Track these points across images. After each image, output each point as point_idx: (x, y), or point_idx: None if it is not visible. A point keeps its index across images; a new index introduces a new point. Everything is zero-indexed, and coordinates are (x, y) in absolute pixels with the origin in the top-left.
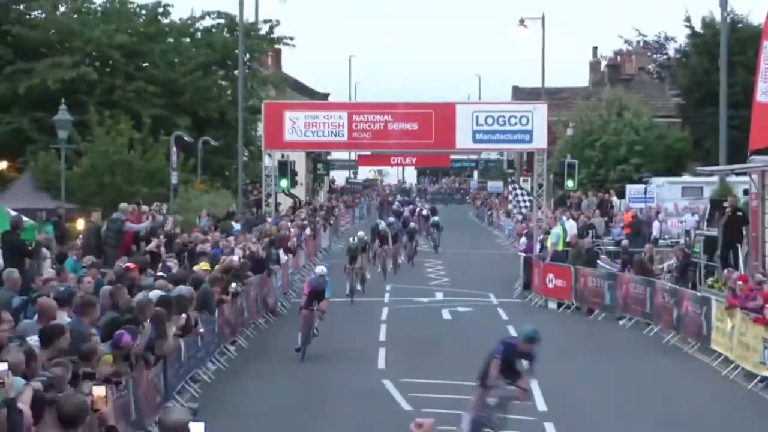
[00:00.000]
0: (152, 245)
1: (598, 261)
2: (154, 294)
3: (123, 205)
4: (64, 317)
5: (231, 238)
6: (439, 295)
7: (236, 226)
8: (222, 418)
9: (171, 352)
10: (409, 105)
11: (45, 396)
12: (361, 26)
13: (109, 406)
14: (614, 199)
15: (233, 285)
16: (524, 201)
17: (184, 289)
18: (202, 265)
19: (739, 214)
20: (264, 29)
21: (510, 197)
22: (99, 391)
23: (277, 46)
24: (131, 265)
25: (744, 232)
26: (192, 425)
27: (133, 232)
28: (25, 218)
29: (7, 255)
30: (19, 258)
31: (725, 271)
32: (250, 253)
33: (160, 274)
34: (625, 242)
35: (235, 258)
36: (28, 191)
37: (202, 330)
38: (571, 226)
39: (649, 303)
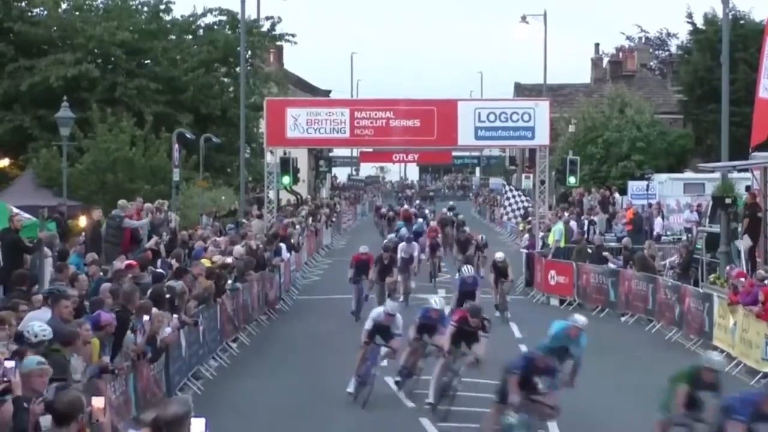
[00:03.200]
0: (151, 243)
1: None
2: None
3: (122, 202)
4: (48, 314)
5: (222, 239)
6: (441, 293)
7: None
8: (224, 415)
9: (173, 341)
10: (411, 102)
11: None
12: (362, 23)
13: (107, 416)
14: (616, 195)
15: (229, 282)
16: (520, 203)
17: (176, 284)
18: (204, 262)
19: (759, 215)
20: (266, 26)
21: (504, 201)
22: (98, 402)
23: (278, 43)
24: (132, 262)
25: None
26: (193, 421)
27: (132, 229)
28: (27, 215)
29: (6, 252)
30: (18, 255)
31: (727, 267)
32: (251, 249)
33: (159, 271)
34: (626, 240)
35: (229, 259)
36: (30, 189)
37: (201, 326)
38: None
39: (651, 300)
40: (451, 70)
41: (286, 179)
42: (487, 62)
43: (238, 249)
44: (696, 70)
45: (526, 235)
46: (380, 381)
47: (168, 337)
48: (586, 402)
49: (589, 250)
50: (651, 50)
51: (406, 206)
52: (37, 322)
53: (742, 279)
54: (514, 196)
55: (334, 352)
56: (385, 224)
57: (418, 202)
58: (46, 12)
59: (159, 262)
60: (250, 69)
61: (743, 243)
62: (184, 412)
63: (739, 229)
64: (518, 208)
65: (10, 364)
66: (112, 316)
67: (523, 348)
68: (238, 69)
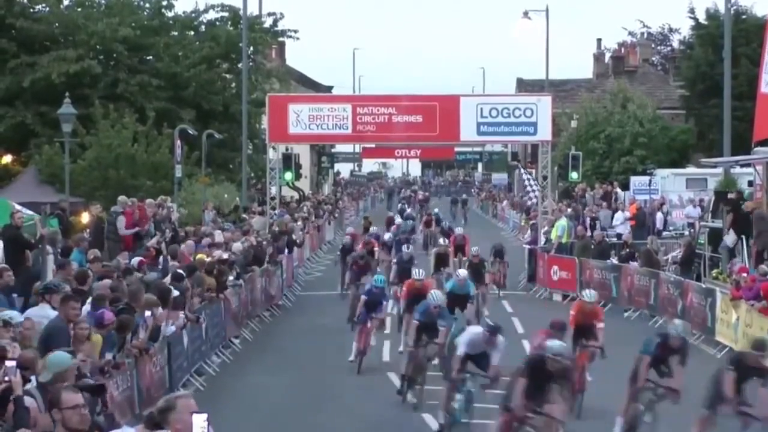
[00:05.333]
0: (153, 242)
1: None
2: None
3: (121, 198)
4: (46, 309)
5: (225, 233)
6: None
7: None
8: (227, 411)
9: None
10: (414, 97)
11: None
12: (364, 19)
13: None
14: (618, 191)
15: (231, 278)
16: (534, 190)
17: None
18: (200, 257)
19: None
20: (268, 22)
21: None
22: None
23: (280, 39)
24: (143, 259)
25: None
26: (195, 417)
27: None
28: (29, 212)
29: (8, 248)
30: (20, 251)
31: (729, 263)
32: (252, 245)
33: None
34: (626, 236)
35: (226, 255)
36: (32, 185)
37: (203, 323)
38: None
39: (654, 295)
40: (453, 65)
41: (289, 175)
42: (489, 58)
43: (237, 246)
44: (698, 65)
45: (529, 231)
46: (383, 376)
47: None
48: (589, 395)
49: (592, 246)
50: (653, 45)
51: (387, 237)
52: (6, 310)
53: (745, 274)
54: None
55: (336, 348)
56: (353, 278)
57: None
58: (48, 8)
59: (161, 259)
60: (252, 65)
61: (729, 239)
62: (166, 405)
63: (723, 226)
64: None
65: (11, 363)
66: (112, 315)
67: (526, 344)
68: (240, 65)
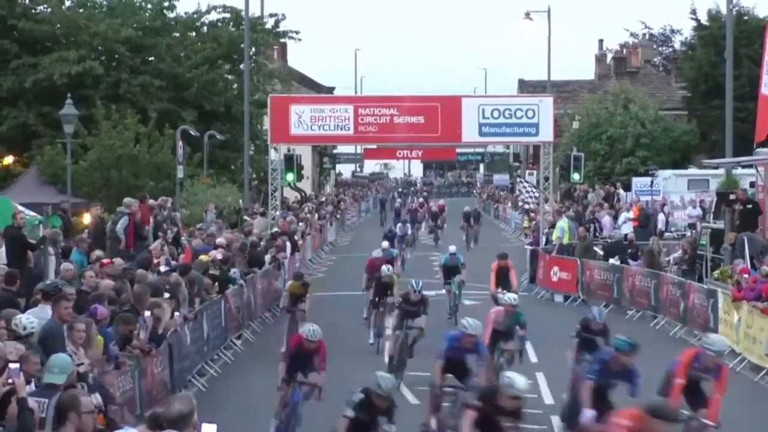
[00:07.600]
0: (155, 244)
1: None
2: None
3: (127, 200)
4: (46, 311)
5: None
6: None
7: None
8: (228, 412)
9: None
10: (415, 98)
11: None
12: (366, 20)
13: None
14: (620, 192)
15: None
16: (531, 194)
17: (173, 277)
18: (202, 258)
19: (750, 206)
20: (270, 23)
21: (519, 192)
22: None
23: (282, 40)
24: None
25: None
26: (204, 427)
27: (137, 226)
28: (32, 213)
29: (10, 249)
30: (22, 252)
31: (731, 263)
32: (251, 245)
33: (163, 268)
34: (630, 235)
35: (219, 255)
36: (34, 185)
37: (205, 324)
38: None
39: (655, 296)
40: (454, 66)
41: (290, 176)
42: (491, 58)
43: (221, 241)
44: (700, 66)
45: (531, 231)
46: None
47: (171, 322)
48: None
49: (595, 248)
50: (655, 46)
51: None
52: (25, 315)
53: (746, 275)
54: (527, 189)
55: (339, 349)
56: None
57: None
58: (50, 9)
59: (163, 259)
60: (254, 66)
61: (728, 239)
62: (188, 410)
63: (725, 227)
64: (532, 196)
65: (15, 365)
66: (105, 309)
67: (527, 344)
68: (241, 66)
